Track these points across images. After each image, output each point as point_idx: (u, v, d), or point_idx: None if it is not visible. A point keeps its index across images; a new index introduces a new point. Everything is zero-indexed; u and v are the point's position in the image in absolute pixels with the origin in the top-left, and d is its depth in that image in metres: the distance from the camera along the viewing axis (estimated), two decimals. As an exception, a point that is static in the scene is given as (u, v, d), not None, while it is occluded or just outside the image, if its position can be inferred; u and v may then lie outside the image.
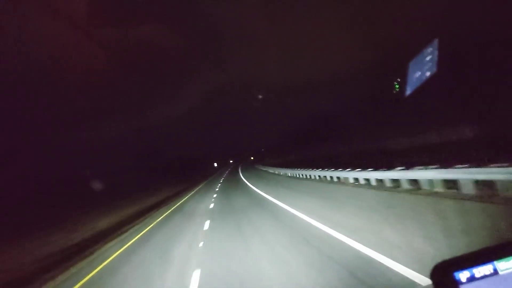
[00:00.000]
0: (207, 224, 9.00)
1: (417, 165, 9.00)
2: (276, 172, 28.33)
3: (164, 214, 14.29)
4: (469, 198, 6.06)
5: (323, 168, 16.67)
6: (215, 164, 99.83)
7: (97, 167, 31.02)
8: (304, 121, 58.46)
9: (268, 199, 12.39)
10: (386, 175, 9.62)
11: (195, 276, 4.63)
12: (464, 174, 6.42)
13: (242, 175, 35.27)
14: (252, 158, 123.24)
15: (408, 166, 9.14)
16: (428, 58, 13.53)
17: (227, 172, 57.86)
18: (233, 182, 28.83)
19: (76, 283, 5.96)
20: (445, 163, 7.81)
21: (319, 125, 46.47)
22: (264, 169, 38.63)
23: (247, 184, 22.85)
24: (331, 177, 14.59)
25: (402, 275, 3.31)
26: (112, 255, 7.78)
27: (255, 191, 16.82)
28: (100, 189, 24.85)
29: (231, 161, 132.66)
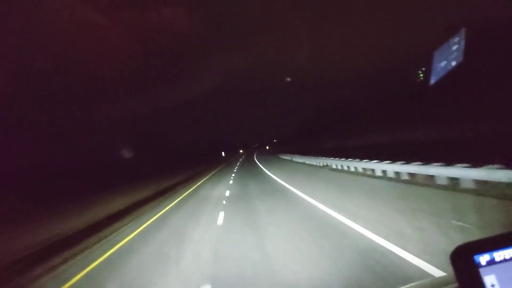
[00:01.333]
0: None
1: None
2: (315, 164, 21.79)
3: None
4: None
5: (361, 159, 13.93)
6: (223, 154, 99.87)
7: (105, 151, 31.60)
8: (320, 113, 58.23)
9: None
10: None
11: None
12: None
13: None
14: (267, 147, 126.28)
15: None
16: (454, 47, 13.52)
17: (239, 161, 48.29)
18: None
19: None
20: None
21: (335, 117, 46.31)
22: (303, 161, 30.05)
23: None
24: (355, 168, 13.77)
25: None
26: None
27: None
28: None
29: (241, 151, 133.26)
